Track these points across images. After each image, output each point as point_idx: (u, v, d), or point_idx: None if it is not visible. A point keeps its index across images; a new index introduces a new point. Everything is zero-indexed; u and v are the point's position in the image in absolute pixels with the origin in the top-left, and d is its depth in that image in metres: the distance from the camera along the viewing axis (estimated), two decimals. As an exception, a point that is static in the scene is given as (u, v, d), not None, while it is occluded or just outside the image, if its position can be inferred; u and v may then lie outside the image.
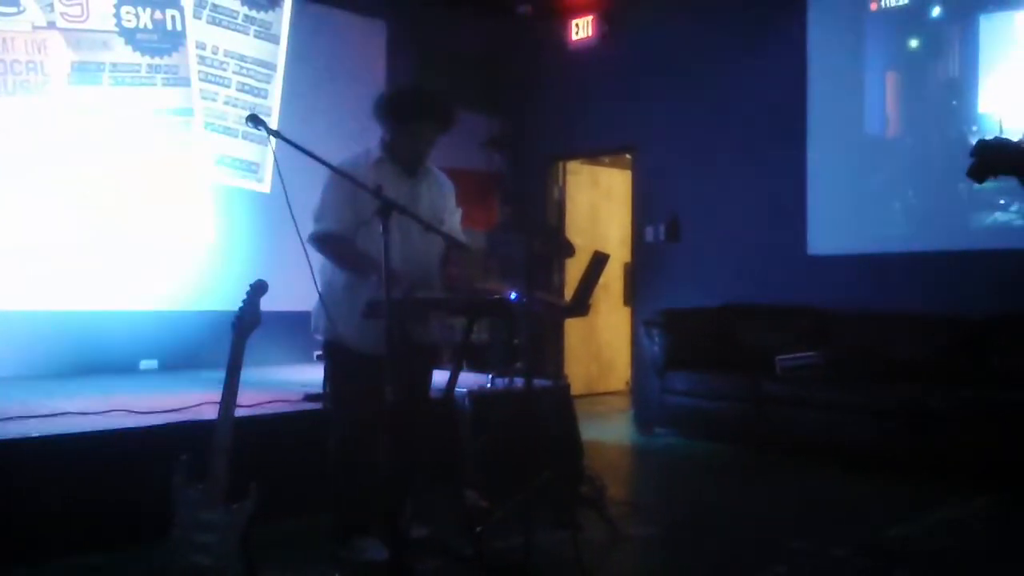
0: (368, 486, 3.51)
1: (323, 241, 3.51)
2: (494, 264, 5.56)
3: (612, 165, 9.06)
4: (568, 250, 6.14)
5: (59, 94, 6.18)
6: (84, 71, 6.28)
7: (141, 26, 6.53)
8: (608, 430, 6.96)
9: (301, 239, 3.33)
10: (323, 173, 3.41)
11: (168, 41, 6.66)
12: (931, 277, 6.05)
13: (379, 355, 3.43)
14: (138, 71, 6.52)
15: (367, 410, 3.50)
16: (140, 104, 6.52)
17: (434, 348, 3.88)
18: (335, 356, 3.68)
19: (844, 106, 6.63)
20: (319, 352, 3.81)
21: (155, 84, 6.61)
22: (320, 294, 3.52)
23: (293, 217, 3.28)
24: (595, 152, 8.74)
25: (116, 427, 3.89)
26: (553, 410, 4.81)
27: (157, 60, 6.61)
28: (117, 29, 6.42)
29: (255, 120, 3.10)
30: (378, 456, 3.43)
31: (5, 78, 5.99)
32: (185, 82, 6.74)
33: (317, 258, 3.50)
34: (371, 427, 3.49)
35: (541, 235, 6.25)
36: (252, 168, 7.05)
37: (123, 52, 6.45)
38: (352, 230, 3.50)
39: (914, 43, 6.34)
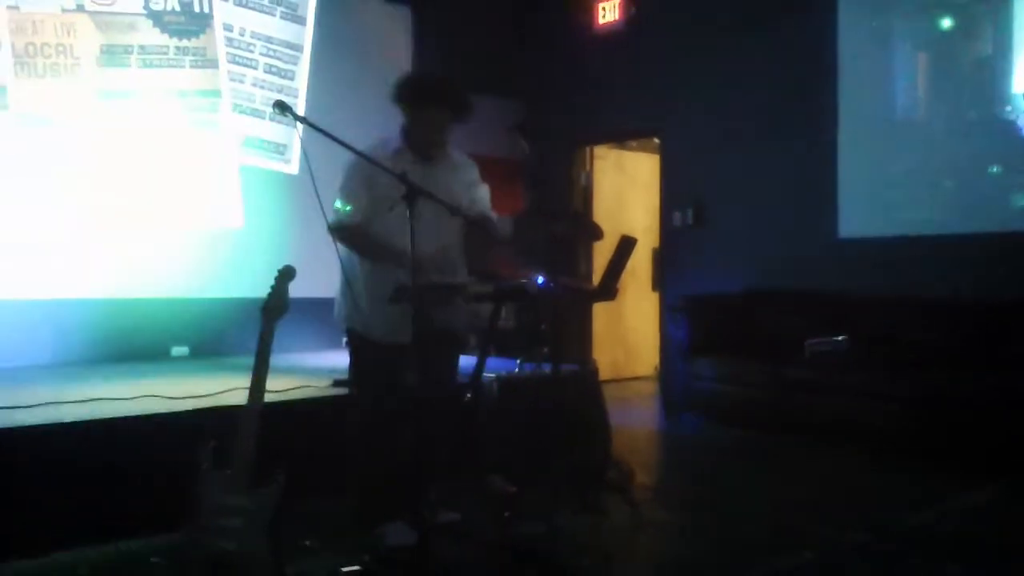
0: (390, 472, 3.53)
1: (347, 234, 3.51)
2: (520, 250, 5.56)
3: (639, 149, 8.99)
4: (596, 233, 6.12)
5: (88, 77, 6.21)
6: (113, 54, 6.30)
7: (169, 8, 6.54)
8: (635, 415, 6.95)
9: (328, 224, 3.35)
10: (350, 155, 3.39)
11: (196, 23, 6.67)
12: (962, 260, 5.93)
13: (398, 343, 3.44)
14: (166, 53, 6.54)
15: (385, 398, 3.53)
16: (168, 86, 6.53)
17: (457, 335, 3.88)
18: (355, 344, 3.73)
19: (875, 87, 6.52)
20: (347, 338, 3.84)
21: (183, 66, 6.62)
22: (344, 282, 3.54)
23: (320, 202, 3.30)
24: (622, 136, 8.68)
25: (146, 412, 3.93)
26: (580, 395, 4.80)
27: (185, 42, 6.62)
28: (145, 11, 6.44)
29: (282, 107, 3.10)
30: (398, 443, 3.44)
31: (35, 61, 6.02)
32: (213, 64, 6.75)
33: (341, 247, 3.51)
34: (389, 415, 3.51)
35: (565, 219, 6.23)
36: (280, 150, 7.06)
37: (151, 34, 6.46)
38: (368, 220, 3.50)
39: (946, 22, 6.22)
